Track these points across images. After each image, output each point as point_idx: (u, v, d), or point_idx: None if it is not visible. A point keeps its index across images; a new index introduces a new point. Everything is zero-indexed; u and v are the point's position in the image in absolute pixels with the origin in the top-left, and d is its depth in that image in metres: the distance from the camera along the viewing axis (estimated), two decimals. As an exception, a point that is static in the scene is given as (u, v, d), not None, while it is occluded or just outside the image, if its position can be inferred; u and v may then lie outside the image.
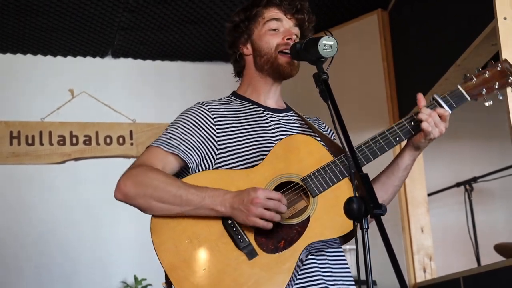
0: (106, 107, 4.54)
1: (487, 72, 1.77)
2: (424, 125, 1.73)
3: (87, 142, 4.44)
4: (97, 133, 4.48)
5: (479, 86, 1.76)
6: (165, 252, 1.68)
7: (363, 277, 1.32)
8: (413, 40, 3.80)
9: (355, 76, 4.16)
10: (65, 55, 4.53)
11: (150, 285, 4.16)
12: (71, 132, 4.43)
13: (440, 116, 1.74)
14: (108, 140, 4.49)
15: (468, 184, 4.47)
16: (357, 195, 1.37)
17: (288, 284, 1.64)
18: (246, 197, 1.64)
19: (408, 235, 3.84)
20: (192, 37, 4.42)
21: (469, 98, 1.76)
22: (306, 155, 1.76)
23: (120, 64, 4.66)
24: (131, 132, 4.55)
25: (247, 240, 1.67)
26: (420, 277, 3.80)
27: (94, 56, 4.60)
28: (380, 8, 4.12)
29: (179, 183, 1.71)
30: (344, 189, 1.70)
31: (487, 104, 1.76)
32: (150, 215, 1.74)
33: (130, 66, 4.68)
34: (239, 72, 2.01)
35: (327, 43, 1.64)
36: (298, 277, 1.70)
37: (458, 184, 4.53)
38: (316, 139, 1.83)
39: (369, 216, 1.33)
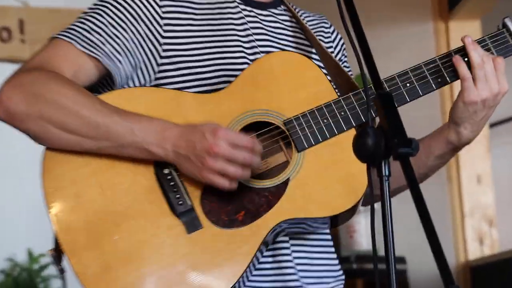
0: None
1: None
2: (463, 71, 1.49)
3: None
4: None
5: None
6: (59, 203, 1.43)
7: (381, 252, 1.07)
8: None
9: None
10: None
11: (50, 264, 3.33)
12: None
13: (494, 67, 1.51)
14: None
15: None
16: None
17: (241, 277, 1.39)
18: (200, 142, 1.37)
19: (456, 188, 3.56)
20: None
21: None
22: (297, 86, 1.51)
23: None
24: (20, 21, 3.91)
25: (189, 202, 1.41)
26: (475, 252, 3.54)
27: None
28: None
29: (97, 104, 1.42)
30: (346, 147, 1.36)
31: None
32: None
33: None
34: None
35: None
36: (257, 268, 1.46)
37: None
38: (314, 63, 1.56)
39: (391, 156, 1.07)
